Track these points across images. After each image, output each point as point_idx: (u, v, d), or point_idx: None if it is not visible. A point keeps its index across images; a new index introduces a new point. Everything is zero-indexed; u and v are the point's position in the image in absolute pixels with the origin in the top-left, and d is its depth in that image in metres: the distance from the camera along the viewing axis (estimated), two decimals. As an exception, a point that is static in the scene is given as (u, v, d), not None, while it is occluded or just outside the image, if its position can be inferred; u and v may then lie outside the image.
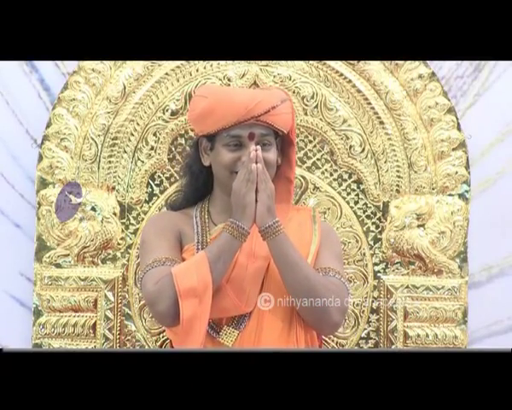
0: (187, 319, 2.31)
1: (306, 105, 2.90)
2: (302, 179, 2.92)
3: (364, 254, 2.93)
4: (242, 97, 2.43)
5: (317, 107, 2.91)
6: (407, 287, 2.90)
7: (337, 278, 2.45)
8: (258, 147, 2.40)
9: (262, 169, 2.38)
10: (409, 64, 2.90)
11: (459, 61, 2.97)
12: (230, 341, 2.42)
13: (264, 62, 2.90)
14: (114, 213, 2.89)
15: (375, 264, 2.93)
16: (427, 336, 2.89)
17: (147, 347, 2.89)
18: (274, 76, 2.90)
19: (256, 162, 2.37)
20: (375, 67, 2.90)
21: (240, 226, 2.36)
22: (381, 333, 2.91)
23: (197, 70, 2.91)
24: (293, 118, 2.54)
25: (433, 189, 2.90)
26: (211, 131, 2.47)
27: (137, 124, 2.90)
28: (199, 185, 2.59)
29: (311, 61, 2.90)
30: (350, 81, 2.91)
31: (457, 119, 2.91)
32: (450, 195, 2.91)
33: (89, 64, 2.88)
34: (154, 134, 2.91)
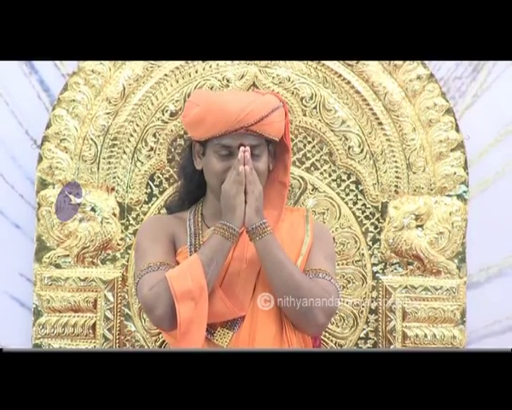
0: (184, 321, 2.32)
1: (305, 106, 2.91)
2: (301, 180, 2.93)
3: (363, 254, 2.93)
4: (233, 107, 2.42)
5: (315, 108, 2.91)
6: (405, 287, 2.91)
7: (327, 279, 2.45)
8: (247, 148, 2.41)
9: (250, 171, 2.39)
10: (407, 65, 2.90)
11: (458, 62, 2.97)
12: (225, 342, 2.42)
13: (263, 63, 2.90)
14: (114, 214, 2.90)
15: (374, 264, 2.93)
16: (426, 336, 2.89)
17: (146, 347, 2.90)
18: (273, 77, 2.91)
19: (244, 164, 2.39)
20: (373, 68, 2.90)
21: (230, 227, 2.38)
22: (380, 333, 2.92)
23: (196, 71, 2.91)
24: (288, 124, 2.54)
25: (431, 189, 2.91)
26: (202, 137, 2.48)
27: (137, 125, 2.90)
28: (192, 187, 2.61)
29: (309, 62, 2.90)
30: (349, 82, 2.91)
31: (456, 119, 2.91)
32: (448, 195, 2.91)
33: (88, 65, 2.88)
34: (154, 135, 2.91)
